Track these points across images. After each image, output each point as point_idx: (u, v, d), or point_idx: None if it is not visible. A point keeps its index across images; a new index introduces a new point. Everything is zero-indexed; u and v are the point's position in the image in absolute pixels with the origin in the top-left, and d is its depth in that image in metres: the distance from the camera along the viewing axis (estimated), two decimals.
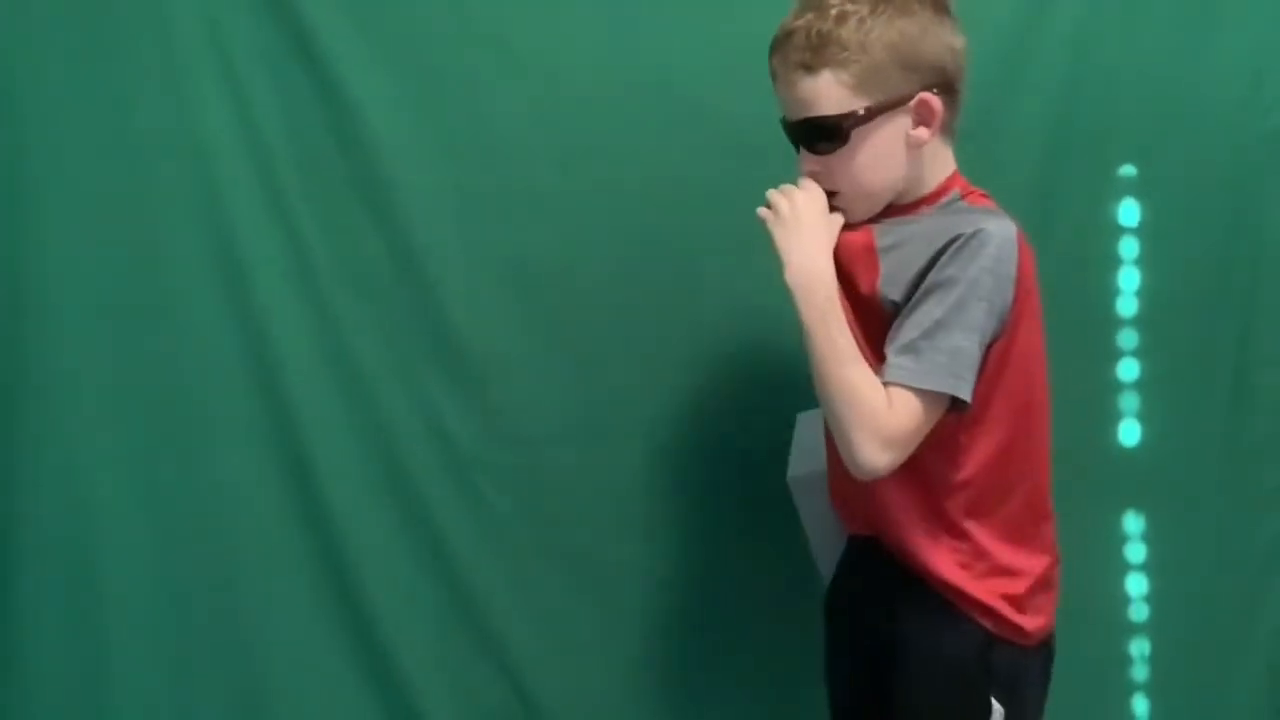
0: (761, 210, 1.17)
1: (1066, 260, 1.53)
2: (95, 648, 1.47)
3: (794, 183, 1.18)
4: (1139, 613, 1.63)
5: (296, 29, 1.45)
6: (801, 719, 1.47)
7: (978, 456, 1.14)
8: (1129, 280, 1.59)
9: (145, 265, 1.46)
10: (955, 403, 1.09)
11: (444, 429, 1.52)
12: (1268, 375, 1.61)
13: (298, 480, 1.50)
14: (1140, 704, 1.64)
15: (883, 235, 1.16)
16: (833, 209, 1.17)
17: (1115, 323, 1.59)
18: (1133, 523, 1.62)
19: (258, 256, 1.47)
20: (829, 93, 1.12)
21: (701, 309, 1.53)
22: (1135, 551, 1.62)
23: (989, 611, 1.15)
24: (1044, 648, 1.20)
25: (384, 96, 1.47)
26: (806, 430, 1.38)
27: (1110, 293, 1.59)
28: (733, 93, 1.43)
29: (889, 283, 1.13)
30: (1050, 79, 1.54)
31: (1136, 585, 1.63)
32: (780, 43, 1.15)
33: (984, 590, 1.15)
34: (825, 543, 1.33)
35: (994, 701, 1.14)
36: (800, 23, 1.12)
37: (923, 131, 1.14)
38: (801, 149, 1.18)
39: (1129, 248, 1.59)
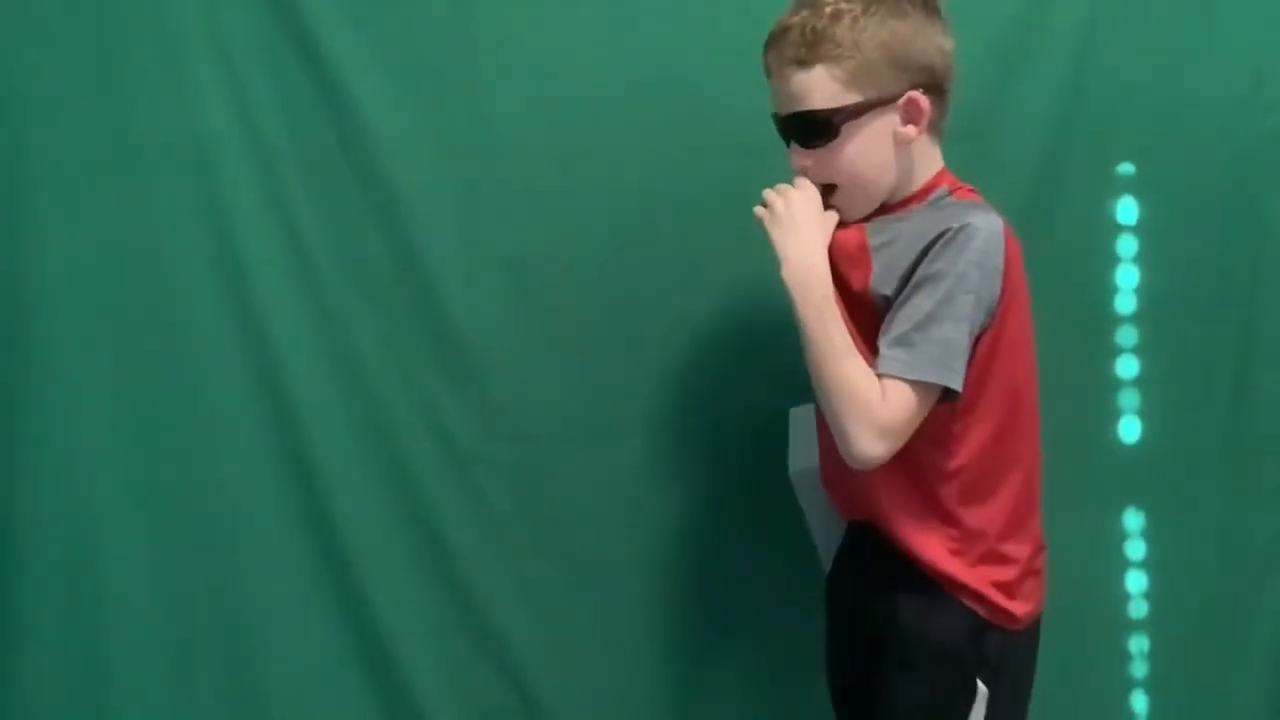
0: (758, 209, 1.20)
1: (1066, 258, 1.54)
2: (95, 648, 1.47)
3: (792, 183, 1.20)
4: (1138, 610, 1.63)
5: (296, 29, 1.46)
6: (802, 719, 1.48)
7: (969, 445, 1.16)
8: (1128, 278, 1.59)
9: (145, 265, 1.46)
10: (947, 393, 1.11)
11: (444, 428, 1.52)
12: (1268, 373, 1.61)
13: (298, 480, 1.50)
14: (1139, 701, 1.64)
15: (874, 233, 1.19)
16: (828, 208, 1.19)
17: (1114, 320, 1.60)
18: (1132, 520, 1.62)
19: (258, 256, 1.47)
20: (821, 87, 1.15)
21: (701, 308, 1.53)
22: (1135, 548, 1.62)
23: (981, 598, 1.17)
24: (1032, 632, 1.22)
25: (384, 96, 1.47)
26: (801, 425, 1.39)
27: (1109, 290, 1.59)
28: (733, 92, 1.43)
29: (881, 279, 1.15)
30: (1050, 79, 1.54)
31: (1136, 582, 1.63)
32: (775, 39, 1.18)
33: (976, 577, 1.17)
34: (830, 535, 1.34)
35: (979, 683, 1.16)
36: (796, 20, 1.16)
37: (910, 129, 1.16)
38: (792, 143, 1.20)
39: (1128, 245, 1.59)
